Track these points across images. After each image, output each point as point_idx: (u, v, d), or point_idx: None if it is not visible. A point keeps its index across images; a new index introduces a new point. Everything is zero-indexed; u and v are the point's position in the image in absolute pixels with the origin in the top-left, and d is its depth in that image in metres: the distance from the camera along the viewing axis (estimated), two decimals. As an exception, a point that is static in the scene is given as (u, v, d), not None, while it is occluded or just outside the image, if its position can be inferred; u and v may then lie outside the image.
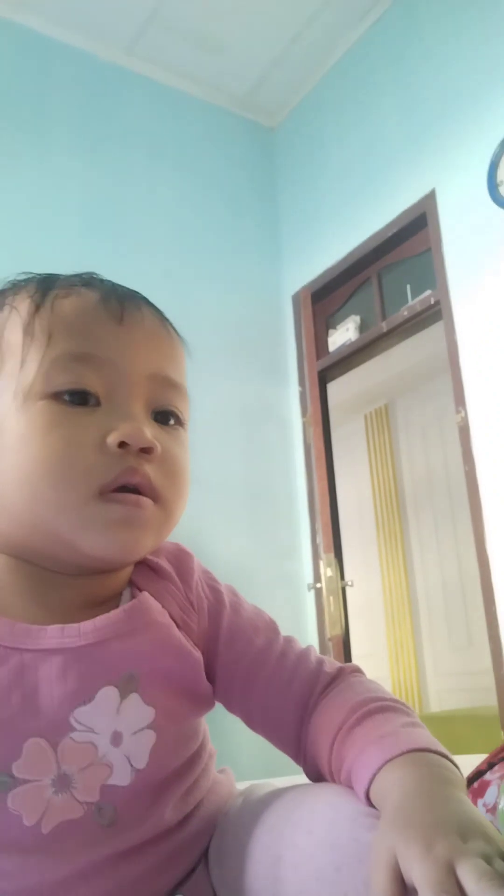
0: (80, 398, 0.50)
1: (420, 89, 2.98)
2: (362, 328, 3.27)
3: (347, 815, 0.45)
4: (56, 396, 0.50)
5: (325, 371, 3.35)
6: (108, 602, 0.55)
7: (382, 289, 3.23)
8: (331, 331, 3.43)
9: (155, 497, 0.51)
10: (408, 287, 3.07)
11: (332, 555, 3.09)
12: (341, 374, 3.41)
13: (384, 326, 3.09)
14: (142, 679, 0.52)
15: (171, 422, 0.55)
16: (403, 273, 3.13)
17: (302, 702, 0.57)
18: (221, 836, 0.55)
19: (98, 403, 0.51)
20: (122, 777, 0.51)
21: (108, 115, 3.30)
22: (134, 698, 0.52)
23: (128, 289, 0.59)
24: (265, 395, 3.29)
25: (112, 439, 0.50)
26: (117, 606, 0.54)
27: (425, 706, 4.42)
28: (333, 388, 3.46)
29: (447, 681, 4.30)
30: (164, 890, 0.52)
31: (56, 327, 0.52)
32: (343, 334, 3.31)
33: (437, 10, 2.94)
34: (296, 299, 3.53)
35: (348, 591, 3.29)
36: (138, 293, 0.59)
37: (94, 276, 0.60)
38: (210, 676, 0.58)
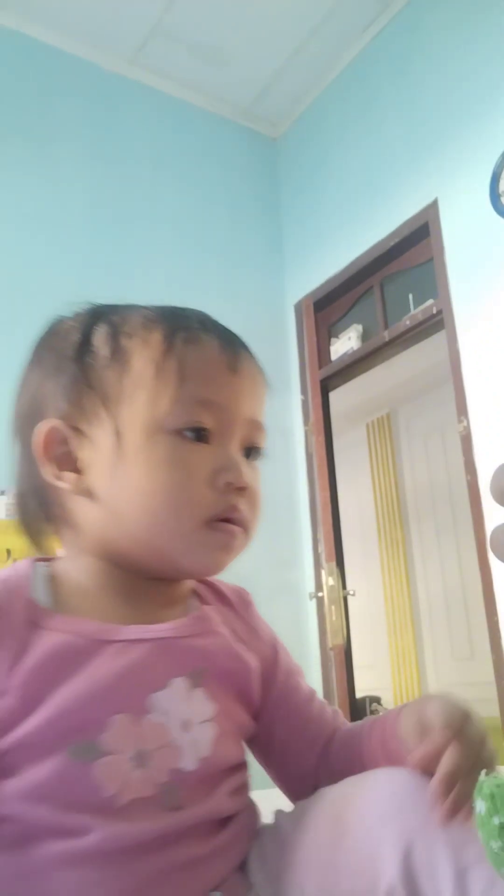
0: (197, 436, 0.59)
1: (423, 100, 2.99)
2: (364, 337, 3.27)
3: (403, 775, 0.53)
4: (178, 433, 0.58)
5: (327, 380, 3.35)
6: (178, 604, 0.63)
7: (385, 298, 3.24)
8: (333, 340, 3.44)
9: (244, 526, 0.61)
10: (410, 296, 3.07)
11: (333, 564, 3.08)
12: (343, 382, 3.41)
13: (386, 335, 3.09)
14: (206, 676, 0.59)
15: (254, 457, 0.65)
16: (406, 282, 3.13)
17: (327, 734, 0.68)
18: (263, 840, 0.60)
19: (208, 441, 0.59)
20: (189, 762, 0.56)
21: (111, 125, 3.32)
22: (200, 692, 0.59)
23: (233, 334, 0.66)
24: (267, 404, 3.29)
25: (221, 479, 0.59)
26: (184, 608, 0.64)
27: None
28: (335, 397, 3.46)
29: (449, 691, 4.28)
30: (208, 882, 0.55)
31: (186, 371, 0.59)
32: (345, 343, 3.31)
33: (439, 22, 2.96)
34: (298, 308, 3.53)
35: (350, 600, 3.28)
36: (240, 337, 0.66)
37: (204, 316, 0.65)
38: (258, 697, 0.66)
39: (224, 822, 0.59)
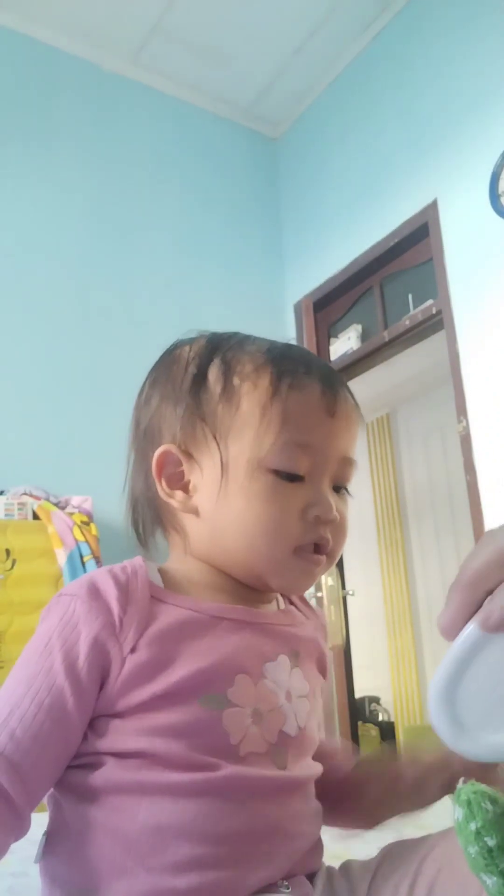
0: (292, 476, 0.65)
1: (422, 100, 2.99)
2: (364, 337, 3.28)
3: None
4: (276, 472, 0.65)
5: (326, 380, 3.35)
6: (270, 600, 0.72)
7: (384, 298, 3.24)
8: (332, 340, 3.44)
9: (329, 554, 0.68)
10: (409, 296, 3.07)
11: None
12: (343, 383, 3.40)
13: (386, 336, 3.09)
14: (302, 657, 0.69)
15: (344, 489, 0.71)
16: (405, 282, 3.14)
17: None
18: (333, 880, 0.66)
19: (302, 480, 0.66)
20: (291, 728, 0.64)
21: (111, 125, 3.32)
22: (298, 671, 0.67)
23: (336, 375, 0.71)
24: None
25: (311, 514, 0.65)
26: (275, 603, 0.73)
27: (426, 716, 4.40)
28: (335, 397, 3.45)
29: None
30: (301, 845, 0.62)
31: (288, 416, 0.65)
32: (345, 343, 3.32)
33: (439, 23, 2.96)
34: (298, 308, 3.54)
35: (349, 600, 3.28)
36: (340, 377, 0.71)
37: (308, 359, 0.71)
38: None
39: (313, 815, 0.67)
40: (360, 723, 3.86)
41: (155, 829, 0.56)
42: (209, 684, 0.61)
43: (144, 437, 0.72)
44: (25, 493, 2.40)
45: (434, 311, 2.85)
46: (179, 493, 0.68)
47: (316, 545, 0.66)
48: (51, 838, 0.61)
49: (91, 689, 0.60)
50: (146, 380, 0.75)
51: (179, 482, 0.68)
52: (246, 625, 0.66)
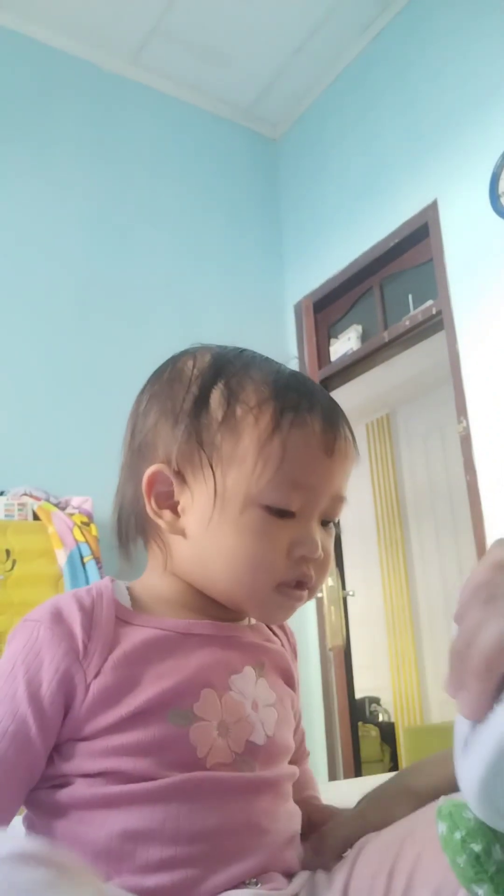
0: (283, 512, 0.65)
1: (422, 100, 3.00)
2: (364, 338, 3.28)
3: None
4: (268, 507, 0.65)
5: (326, 380, 3.36)
6: (240, 617, 0.73)
7: (384, 298, 3.24)
8: (332, 340, 3.44)
9: (310, 589, 0.68)
10: (409, 297, 3.07)
11: (332, 564, 3.08)
12: (343, 383, 3.41)
13: (386, 336, 3.09)
14: (267, 668, 0.70)
15: (331, 525, 0.71)
16: (405, 283, 3.14)
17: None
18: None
19: (293, 516, 0.66)
20: (259, 737, 0.65)
21: (111, 126, 3.32)
22: (263, 681, 0.69)
23: (335, 408, 0.71)
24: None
25: (297, 553, 0.66)
26: (246, 620, 0.74)
27: (426, 717, 4.40)
28: (335, 398, 3.43)
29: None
30: (271, 844, 0.62)
31: (286, 454, 0.65)
32: (345, 344, 3.32)
33: (439, 23, 2.96)
34: (298, 309, 3.54)
35: (349, 600, 3.28)
36: (339, 409, 0.72)
37: (312, 392, 0.70)
38: None
39: (288, 815, 0.67)
40: (360, 723, 3.86)
41: (122, 836, 0.57)
42: (176, 701, 0.62)
43: (139, 451, 0.71)
44: (25, 494, 2.40)
45: (434, 312, 2.85)
46: (168, 514, 0.68)
47: (298, 582, 0.67)
48: None
49: (54, 716, 0.60)
50: (145, 388, 0.74)
51: (168, 502, 0.68)
52: (212, 639, 0.67)
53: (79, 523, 2.32)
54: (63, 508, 2.40)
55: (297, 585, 0.67)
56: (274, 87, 3.55)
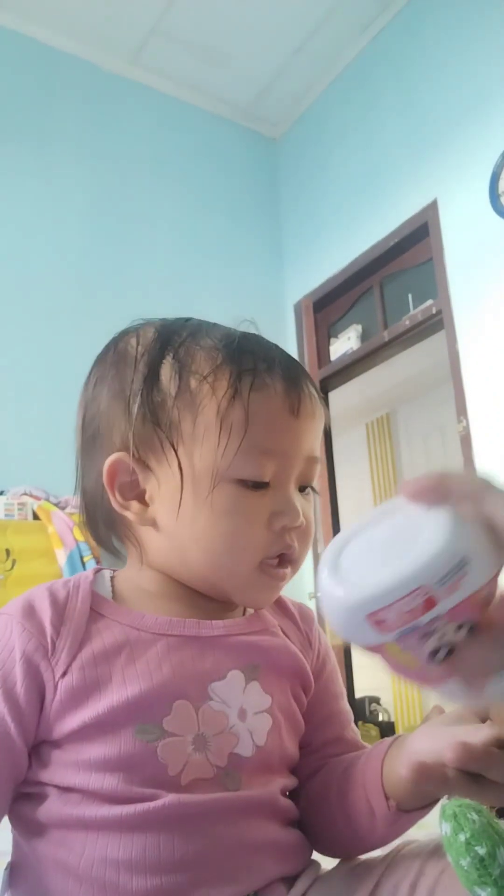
0: (258, 484, 0.61)
1: (422, 100, 2.99)
2: (364, 337, 3.28)
3: None
4: (241, 481, 0.60)
5: (326, 380, 3.36)
6: (233, 609, 0.68)
7: (384, 298, 3.24)
8: (332, 340, 3.44)
9: (292, 562, 0.64)
10: (409, 296, 3.07)
11: (333, 564, 3.08)
12: (343, 383, 3.41)
13: (386, 336, 3.09)
14: (262, 670, 0.64)
15: (308, 490, 0.67)
16: (405, 282, 3.14)
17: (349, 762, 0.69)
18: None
19: (267, 486, 0.61)
20: (245, 748, 0.60)
21: (111, 126, 3.32)
22: (255, 685, 0.63)
23: (296, 366, 0.66)
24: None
25: (277, 524, 0.61)
26: (240, 611, 0.68)
27: (426, 714, 4.40)
28: (335, 397, 3.46)
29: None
30: (259, 874, 0.58)
31: (250, 421, 0.60)
32: (345, 343, 3.32)
33: (439, 23, 2.96)
34: (297, 308, 3.53)
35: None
36: (303, 369, 0.67)
37: (270, 352, 0.65)
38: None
39: (284, 824, 0.62)
40: (360, 723, 3.85)
41: (103, 864, 0.54)
42: (143, 713, 0.57)
43: (93, 441, 0.66)
44: (25, 493, 2.40)
45: (434, 311, 2.85)
46: (135, 504, 0.63)
47: (281, 556, 0.63)
48: (13, 871, 0.60)
49: (31, 712, 0.57)
50: (90, 373, 0.69)
51: (134, 492, 0.63)
52: (190, 640, 0.62)
53: (78, 522, 2.32)
54: (63, 508, 2.40)
55: (279, 562, 0.63)
56: (274, 87, 3.55)
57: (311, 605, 3.41)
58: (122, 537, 0.67)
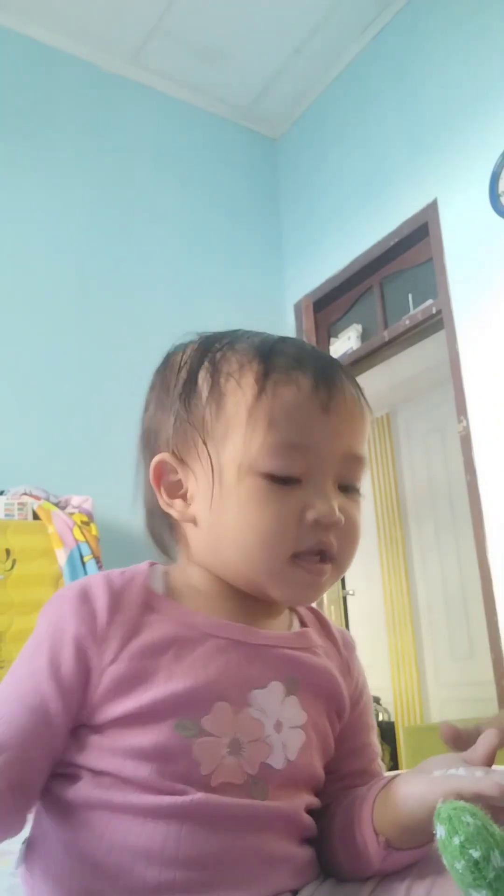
0: (287, 479, 0.61)
1: (422, 100, 2.99)
2: (364, 337, 3.28)
3: None
4: (269, 475, 0.61)
5: (326, 380, 3.35)
6: (278, 615, 0.69)
7: (384, 298, 3.24)
8: (332, 339, 3.44)
9: (334, 560, 0.63)
10: (409, 296, 3.07)
11: (333, 564, 3.08)
12: (343, 382, 3.40)
13: (386, 335, 3.09)
14: (302, 686, 0.64)
15: (353, 489, 0.66)
16: (405, 282, 3.14)
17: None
18: None
19: (299, 481, 0.62)
20: (277, 760, 0.61)
21: (111, 126, 3.32)
22: (294, 699, 0.63)
23: (332, 366, 0.66)
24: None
25: (310, 516, 0.61)
26: (285, 621, 0.70)
27: (426, 716, 4.40)
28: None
29: (448, 691, 4.28)
30: (274, 887, 0.58)
31: (275, 416, 0.61)
32: (345, 343, 3.32)
33: (439, 23, 2.96)
34: (297, 308, 3.54)
35: (350, 600, 3.29)
36: (340, 367, 0.67)
37: (305, 349, 0.67)
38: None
39: (302, 841, 0.63)
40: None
41: (121, 850, 0.55)
42: (184, 709, 0.58)
43: (144, 446, 0.70)
44: (25, 493, 2.40)
45: (434, 311, 2.85)
46: (178, 502, 0.66)
47: (321, 552, 0.62)
48: (30, 848, 0.61)
49: (76, 695, 0.59)
50: (148, 390, 0.74)
51: (178, 491, 0.66)
52: (238, 645, 0.62)
53: (79, 523, 2.32)
54: (63, 508, 2.40)
55: (320, 558, 0.62)
56: (274, 87, 3.55)
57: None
58: (172, 535, 0.70)
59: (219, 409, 0.64)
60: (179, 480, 0.66)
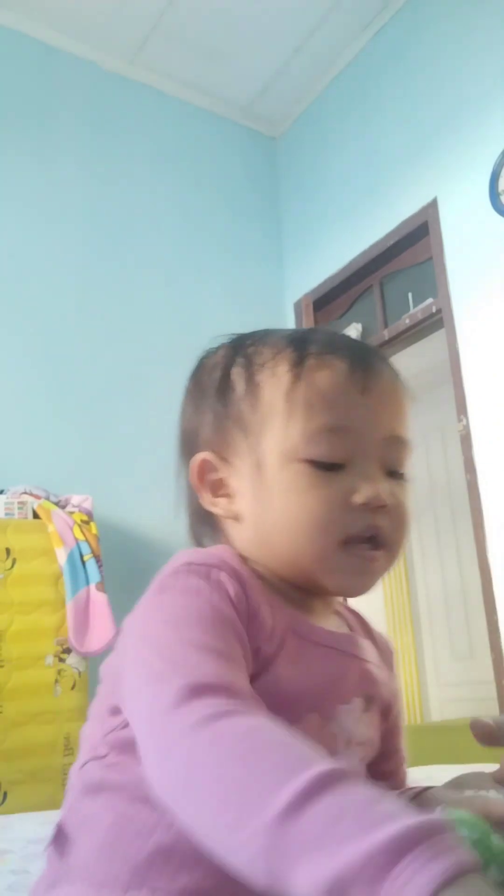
0: (329, 465, 0.60)
1: (422, 99, 2.99)
2: (364, 336, 3.27)
3: None
4: (312, 462, 0.60)
5: (326, 379, 3.35)
6: (330, 613, 0.67)
7: (384, 297, 3.24)
8: (332, 339, 3.44)
9: (386, 546, 0.62)
10: (409, 295, 3.07)
11: (333, 563, 3.08)
12: (343, 382, 3.40)
13: (386, 334, 3.09)
14: (373, 704, 0.64)
15: (399, 475, 0.65)
16: (405, 281, 3.13)
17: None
18: None
19: (343, 466, 0.60)
20: None
21: (111, 125, 3.32)
22: (366, 718, 0.63)
23: (367, 349, 0.66)
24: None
25: (356, 499, 0.59)
26: (339, 622, 0.68)
27: (426, 716, 4.40)
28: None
29: (449, 690, 4.28)
30: None
31: (313, 400, 0.60)
32: (345, 342, 3.32)
33: (439, 22, 2.96)
34: (298, 307, 3.53)
35: (349, 600, 3.27)
36: (375, 351, 0.66)
37: (337, 336, 0.66)
38: None
39: None
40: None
41: (166, 852, 0.51)
42: (279, 710, 0.54)
43: (183, 448, 0.70)
44: (25, 493, 2.40)
45: (434, 310, 2.85)
46: (222, 500, 0.65)
47: (371, 538, 0.61)
48: (60, 834, 0.57)
49: (240, 612, 0.56)
50: (184, 393, 0.73)
51: (221, 489, 0.65)
52: (340, 656, 0.62)
53: (79, 522, 2.32)
54: (63, 507, 2.40)
55: (369, 543, 0.60)
56: (274, 86, 3.55)
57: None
58: (220, 537, 0.68)
59: (256, 400, 0.63)
60: (221, 479, 0.65)
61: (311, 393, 0.61)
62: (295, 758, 0.42)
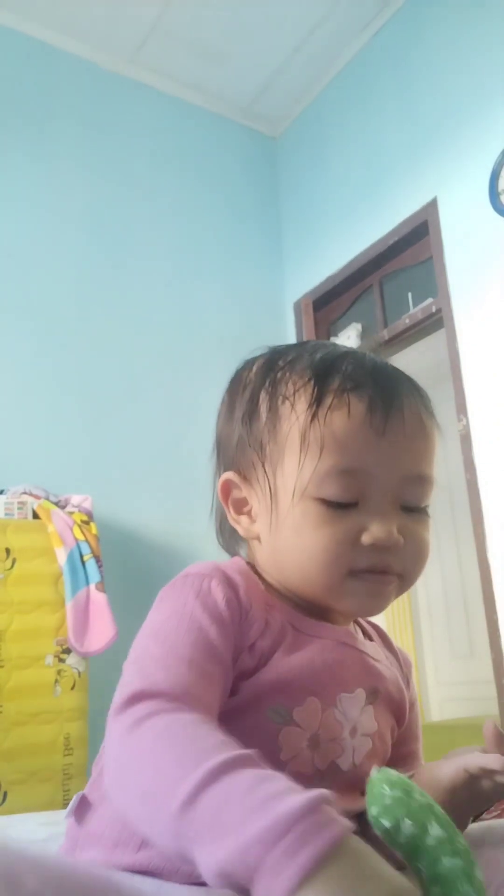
0: (342, 504, 0.61)
1: (422, 99, 2.99)
2: (364, 336, 3.27)
3: None
4: (322, 501, 0.61)
5: (326, 379, 3.35)
6: (347, 620, 0.70)
7: (384, 297, 3.24)
8: (332, 338, 3.44)
9: (400, 576, 0.64)
10: (409, 295, 3.07)
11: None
12: (343, 381, 3.40)
13: (386, 334, 3.09)
14: (378, 697, 0.67)
15: (418, 510, 0.66)
16: (405, 281, 3.13)
17: None
18: None
19: (356, 504, 0.62)
20: (345, 762, 0.62)
21: (110, 124, 3.32)
22: (370, 709, 0.66)
23: (393, 383, 0.66)
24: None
25: (365, 540, 0.61)
26: (355, 628, 0.71)
27: (426, 715, 4.40)
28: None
29: (448, 690, 4.28)
30: None
31: (327, 442, 0.61)
32: (344, 342, 3.31)
33: (438, 22, 2.96)
34: (297, 307, 3.53)
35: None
36: (402, 383, 0.66)
37: (365, 365, 0.66)
38: None
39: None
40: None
41: None
42: (282, 697, 0.60)
43: (216, 461, 0.73)
44: (25, 493, 2.40)
45: (434, 310, 2.85)
46: (244, 519, 0.68)
47: (383, 571, 0.63)
48: (84, 802, 0.62)
49: (231, 628, 0.60)
50: (219, 405, 0.75)
51: (244, 508, 0.68)
52: (338, 645, 0.65)
53: (79, 522, 2.32)
54: (63, 507, 2.40)
55: (377, 574, 0.63)
56: (273, 86, 3.55)
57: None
58: (239, 547, 0.73)
59: (275, 432, 0.65)
60: (244, 498, 0.68)
61: (326, 435, 0.61)
62: (200, 750, 0.46)
